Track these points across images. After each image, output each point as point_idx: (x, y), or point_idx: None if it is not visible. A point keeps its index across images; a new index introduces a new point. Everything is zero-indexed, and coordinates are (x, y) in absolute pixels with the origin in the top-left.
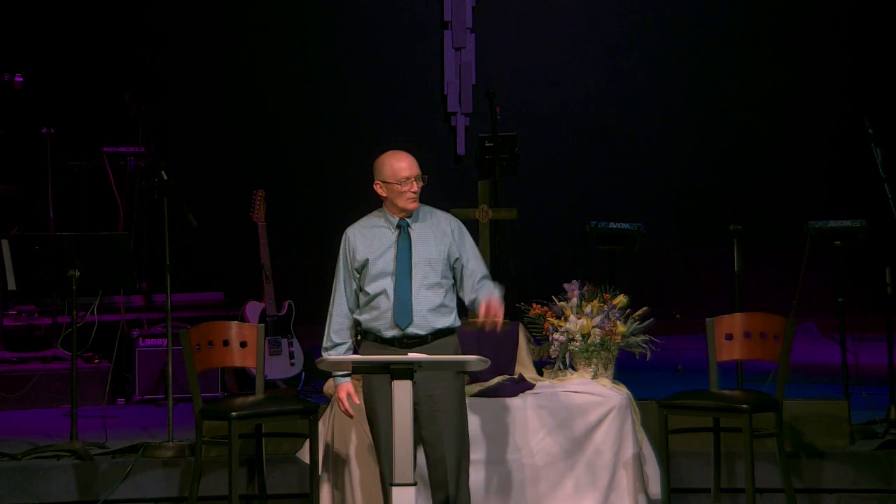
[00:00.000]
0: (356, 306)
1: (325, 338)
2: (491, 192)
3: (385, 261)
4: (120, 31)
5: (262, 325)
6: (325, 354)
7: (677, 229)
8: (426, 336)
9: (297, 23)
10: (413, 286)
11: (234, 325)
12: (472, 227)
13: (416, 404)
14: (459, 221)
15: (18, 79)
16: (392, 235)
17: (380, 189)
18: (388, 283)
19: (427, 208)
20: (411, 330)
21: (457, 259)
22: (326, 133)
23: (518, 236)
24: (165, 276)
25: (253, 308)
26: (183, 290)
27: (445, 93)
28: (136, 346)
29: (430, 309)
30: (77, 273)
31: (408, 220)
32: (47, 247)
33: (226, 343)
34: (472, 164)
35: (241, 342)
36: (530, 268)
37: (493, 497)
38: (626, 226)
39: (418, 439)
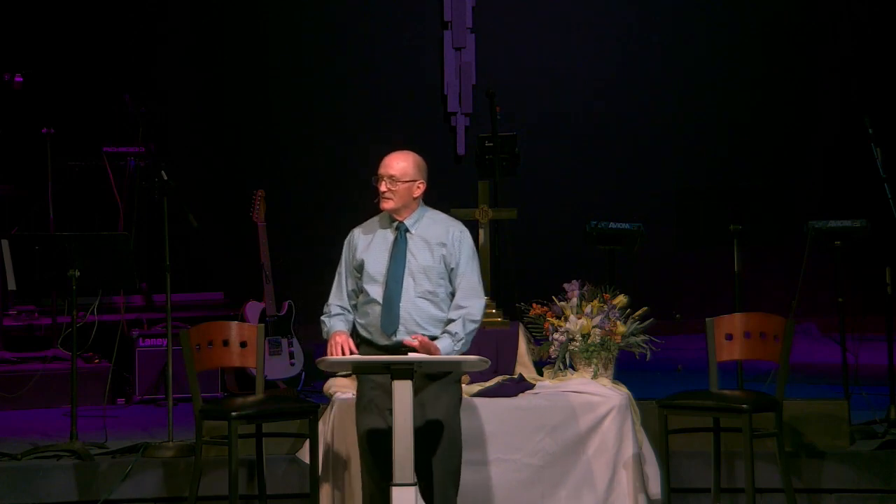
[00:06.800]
0: (353, 304)
1: (327, 305)
2: (491, 192)
3: (380, 265)
4: (120, 32)
5: (262, 325)
6: (324, 318)
7: (677, 229)
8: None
9: (296, 23)
10: (405, 294)
11: (234, 325)
12: (472, 227)
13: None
14: (464, 228)
15: (18, 79)
16: (390, 239)
17: None
18: (380, 288)
19: (432, 212)
20: (403, 339)
21: (452, 269)
22: (326, 133)
23: (518, 236)
24: (165, 276)
25: (253, 308)
26: (183, 290)
27: (445, 93)
28: (136, 346)
29: (423, 319)
30: (77, 273)
31: (407, 223)
32: (47, 247)
33: (226, 343)
34: (472, 164)
35: (241, 342)
36: (530, 268)
37: (493, 497)
38: (626, 226)
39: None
